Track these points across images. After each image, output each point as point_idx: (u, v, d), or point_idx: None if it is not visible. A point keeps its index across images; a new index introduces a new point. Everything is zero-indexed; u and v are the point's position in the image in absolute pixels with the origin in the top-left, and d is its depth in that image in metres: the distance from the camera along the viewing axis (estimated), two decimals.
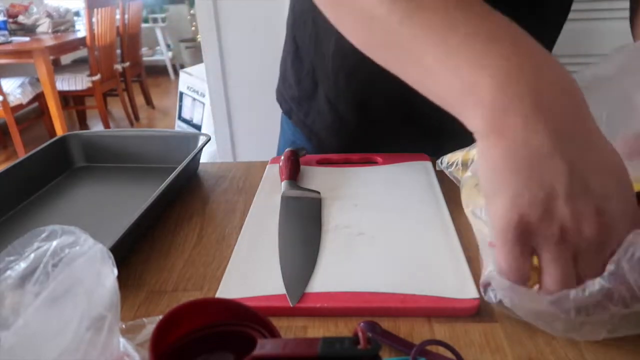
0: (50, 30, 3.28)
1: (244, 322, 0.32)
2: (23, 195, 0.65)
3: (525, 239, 0.33)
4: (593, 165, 0.32)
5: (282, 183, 0.62)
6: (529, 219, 0.32)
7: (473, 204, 0.50)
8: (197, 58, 3.82)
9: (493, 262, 0.36)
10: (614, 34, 1.49)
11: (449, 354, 0.35)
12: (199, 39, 3.59)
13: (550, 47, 0.68)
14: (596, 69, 0.47)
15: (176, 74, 4.65)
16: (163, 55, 4.89)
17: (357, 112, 0.72)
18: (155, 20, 4.81)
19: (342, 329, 0.41)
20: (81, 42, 3.21)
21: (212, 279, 0.48)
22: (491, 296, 0.38)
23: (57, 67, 3.47)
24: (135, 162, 0.74)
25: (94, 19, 3.09)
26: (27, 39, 3.05)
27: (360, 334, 0.28)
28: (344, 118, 0.73)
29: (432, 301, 0.42)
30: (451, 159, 0.59)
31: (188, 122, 2.69)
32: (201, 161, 0.73)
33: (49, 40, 3.02)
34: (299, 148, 0.69)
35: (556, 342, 0.38)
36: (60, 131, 3.01)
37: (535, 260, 0.34)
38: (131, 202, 0.63)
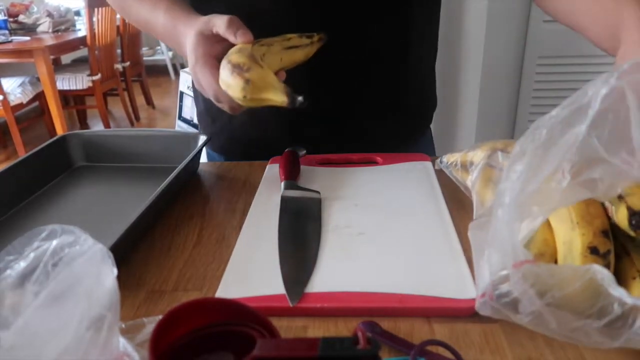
0: (50, 30, 3.28)
1: (244, 322, 0.32)
2: (23, 195, 0.65)
3: None
4: None
5: (282, 183, 0.62)
6: None
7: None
8: None
9: (490, 272, 0.36)
10: None
11: (448, 354, 0.35)
12: None
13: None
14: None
15: (176, 73, 4.65)
16: (163, 55, 4.88)
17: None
18: None
19: (342, 329, 0.41)
20: (81, 41, 3.20)
21: (212, 279, 0.48)
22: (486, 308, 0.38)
23: (58, 66, 3.47)
24: (135, 162, 0.74)
25: (94, 19, 3.09)
26: (27, 38, 3.05)
27: (360, 334, 0.29)
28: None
29: (432, 301, 0.42)
30: (450, 159, 0.59)
31: (188, 122, 2.68)
32: (201, 161, 0.73)
33: (49, 40, 3.02)
34: (299, 148, 0.69)
35: (556, 343, 0.38)
36: (60, 131, 3.01)
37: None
38: (131, 202, 0.63)
